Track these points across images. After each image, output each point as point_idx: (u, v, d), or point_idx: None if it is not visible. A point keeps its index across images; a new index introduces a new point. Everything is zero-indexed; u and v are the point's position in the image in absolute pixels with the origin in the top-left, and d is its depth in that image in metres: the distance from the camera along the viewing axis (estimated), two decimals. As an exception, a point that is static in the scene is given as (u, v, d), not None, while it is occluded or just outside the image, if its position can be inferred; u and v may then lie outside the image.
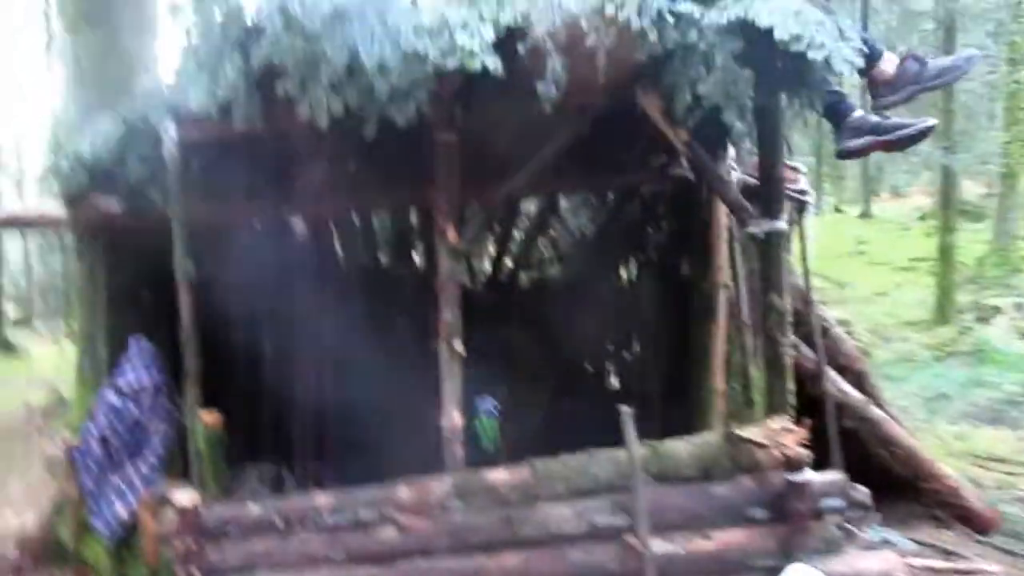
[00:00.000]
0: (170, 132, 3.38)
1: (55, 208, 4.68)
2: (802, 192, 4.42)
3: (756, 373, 4.50)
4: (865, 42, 2.84)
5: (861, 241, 18.05)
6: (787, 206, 3.58)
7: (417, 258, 5.59)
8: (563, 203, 5.68)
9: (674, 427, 3.74)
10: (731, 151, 4.07)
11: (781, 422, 3.18)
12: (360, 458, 5.41)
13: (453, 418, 3.45)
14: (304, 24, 2.44)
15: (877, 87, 3.12)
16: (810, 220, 4.62)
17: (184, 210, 3.52)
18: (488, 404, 5.18)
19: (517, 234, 5.73)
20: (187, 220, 3.58)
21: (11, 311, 19.65)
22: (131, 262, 4.65)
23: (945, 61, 3.12)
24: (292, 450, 5.31)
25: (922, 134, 3.06)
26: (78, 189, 4.08)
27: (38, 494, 5.99)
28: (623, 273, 6.36)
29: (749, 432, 3.14)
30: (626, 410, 3.13)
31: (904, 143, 3.10)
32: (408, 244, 5.44)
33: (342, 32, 2.52)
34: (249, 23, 2.43)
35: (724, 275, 4.28)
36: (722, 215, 4.23)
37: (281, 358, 5.31)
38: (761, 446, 3.10)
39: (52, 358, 16.05)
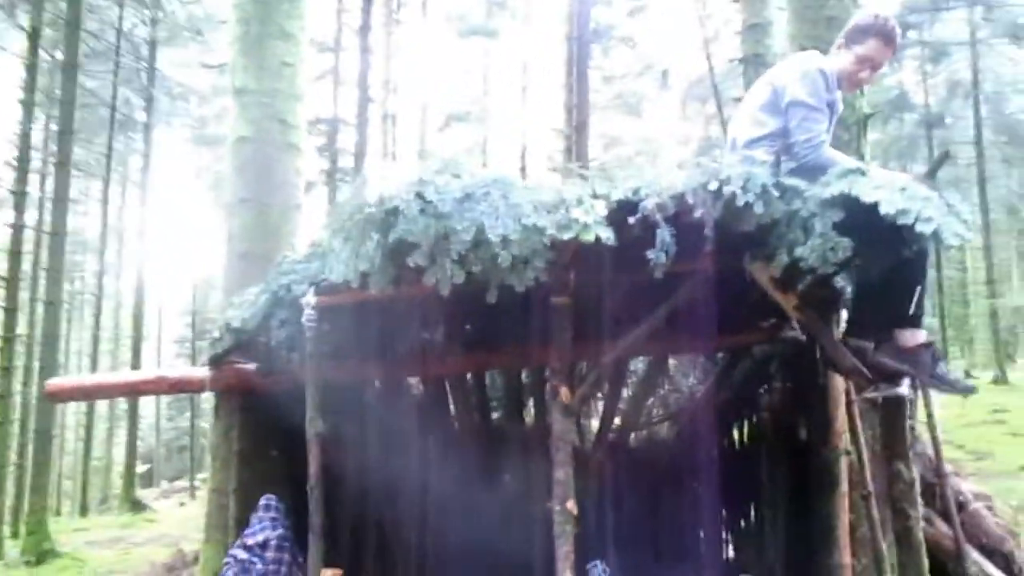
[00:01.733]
0: (309, 299, 3.75)
1: (194, 370, 5.15)
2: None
3: (885, 547, 4.22)
4: (919, 305, 2.96)
5: (998, 409, 16.77)
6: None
7: (528, 416, 5.68)
8: (672, 362, 5.72)
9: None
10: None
11: (919, 601, 2.96)
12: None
13: (567, 583, 3.37)
14: (437, 206, 2.75)
15: (887, 344, 3.12)
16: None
17: (316, 370, 3.81)
18: (598, 569, 5.01)
19: (626, 393, 5.75)
20: (318, 380, 3.86)
21: (138, 469, 20.64)
22: (262, 422, 4.96)
23: (949, 374, 3.15)
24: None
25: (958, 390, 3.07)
26: (222, 352, 4.50)
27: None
28: (735, 435, 6.23)
29: (884, 611, 2.93)
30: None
31: (939, 388, 3.09)
32: (519, 402, 5.56)
33: (470, 210, 2.82)
34: (389, 206, 2.75)
35: (844, 440, 4.13)
36: (839, 378, 4.15)
37: (395, 513, 5.39)
38: (898, 627, 2.89)
39: (176, 516, 16.74)
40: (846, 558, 4.06)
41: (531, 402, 5.70)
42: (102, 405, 22.60)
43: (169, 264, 28.17)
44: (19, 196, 13.15)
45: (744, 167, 2.96)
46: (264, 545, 4.11)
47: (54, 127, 17.23)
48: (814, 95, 3.40)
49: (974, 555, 4.35)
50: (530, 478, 5.58)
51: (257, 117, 5.68)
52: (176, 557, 9.41)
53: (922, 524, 3.20)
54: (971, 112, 21.23)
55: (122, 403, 23.79)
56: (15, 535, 13.79)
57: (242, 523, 4.70)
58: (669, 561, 6.02)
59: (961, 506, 4.52)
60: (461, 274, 2.83)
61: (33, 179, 17.96)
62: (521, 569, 5.54)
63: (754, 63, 9.63)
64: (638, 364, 5.63)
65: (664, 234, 2.92)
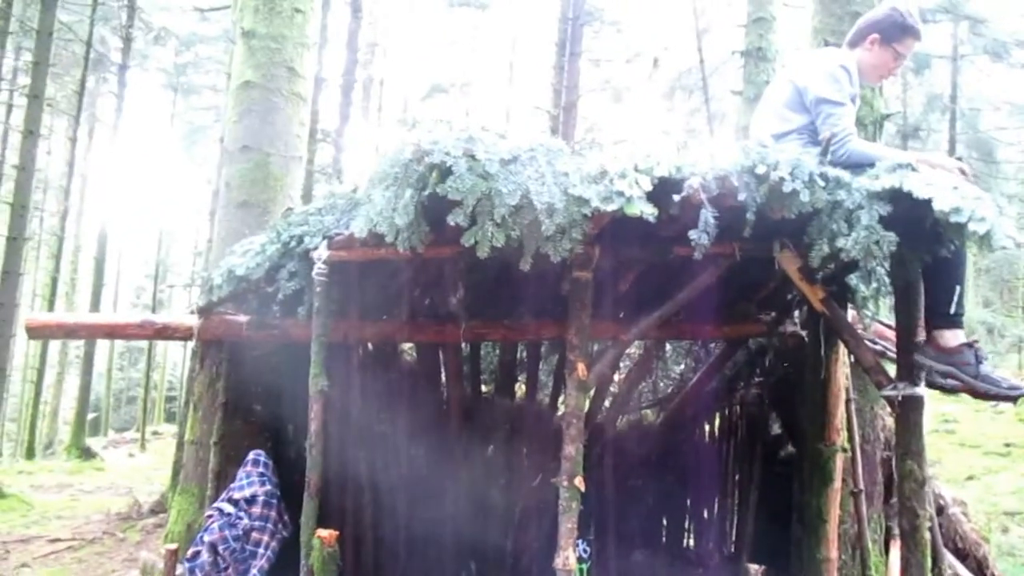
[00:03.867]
0: (321, 253, 3.63)
1: (182, 318, 4.99)
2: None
3: (871, 545, 4.29)
4: (960, 304, 2.95)
5: (947, 419, 17.26)
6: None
7: (518, 392, 5.64)
8: (667, 347, 5.72)
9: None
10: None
11: (919, 600, 3.00)
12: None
13: (567, 559, 3.35)
14: (485, 165, 2.66)
15: (928, 346, 3.12)
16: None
17: (324, 326, 3.70)
18: (580, 548, 5.02)
19: (617, 376, 5.75)
20: (321, 336, 3.75)
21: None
22: (248, 376, 4.84)
23: (997, 375, 3.05)
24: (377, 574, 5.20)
25: (1003, 392, 3.01)
26: (216, 301, 4.36)
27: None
28: (716, 425, 6.29)
29: (886, 606, 2.96)
30: (754, 569, 3.01)
31: (984, 390, 3.00)
32: (511, 377, 5.51)
33: (516, 173, 2.73)
34: (436, 160, 2.65)
35: (842, 437, 4.17)
36: (841, 376, 4.18)
37: (374, 479, 5.31)
38: (898, 624, 2.92)
39: (125, 466, 16.41)
40: (832, 552, 4.10)
41: (522, 378, 5.65)
42: (54, 348, 21.99)
43: (133, 212, 27.38)
44: (-14, 126, 12.61)
45: (792, 154, 2.92)
46: (251, 500, 4.02)
47: (24, 60, 16.57)
48: (838, 91, 3.40)
49: (949, 558, 4.44)
50: (515, 453, 5.56)
51: (264, 62, 5.48)
52: (132, 507, 9.21)
53: (928, 524, 3.23)
54: (947, 126, 21.65)
55: (75, 349, 23.23)
56: (-44, 474, 13.37)
57: (222, 476, 4.59)
58: (632, 546, 6.09)
59: (940, 509, 4.61)
60: (501, 237, 2.75)
61: (-2, 110, 17.29)
62: (499, 541, 5.54)
63: (755, 57, 9.65)
64: (632, 348, 5.62)
65: (708, 215, 2.88)
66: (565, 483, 3.41)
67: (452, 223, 2.74)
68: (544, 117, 19.44)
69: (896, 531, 4.29)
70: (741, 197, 2.90)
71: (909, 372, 3.20)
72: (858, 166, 3.09)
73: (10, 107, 16.90)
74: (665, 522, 6.51)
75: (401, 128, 22.29)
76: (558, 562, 3.37)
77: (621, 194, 2.82)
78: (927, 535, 3.20)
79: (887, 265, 3.15)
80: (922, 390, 3.18)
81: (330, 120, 17.48)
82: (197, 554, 3.83)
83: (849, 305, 3.99)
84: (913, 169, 2.76)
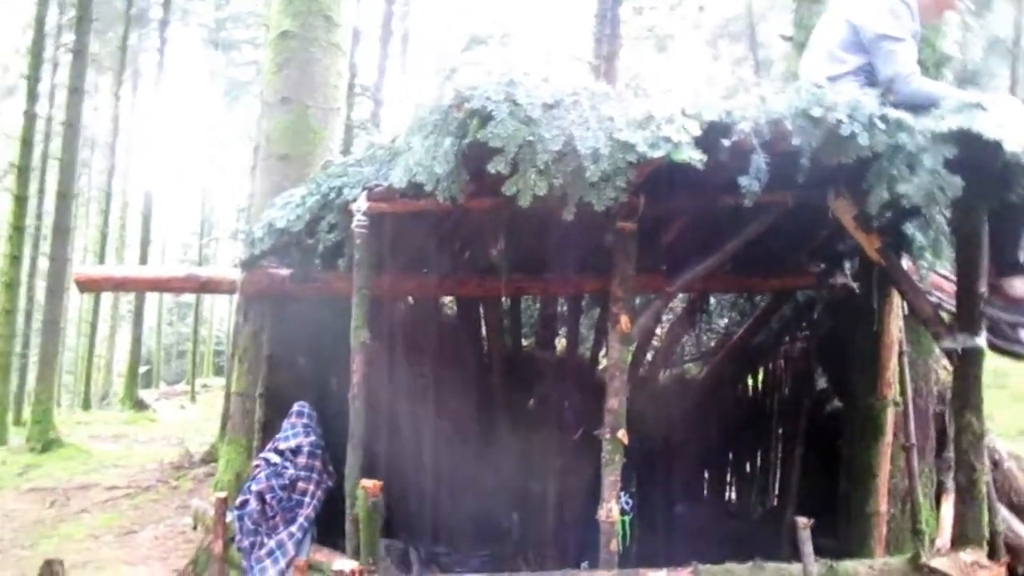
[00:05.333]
0: (361, 205, 3.59)
1: (226, 271, 5.03)
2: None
3: (922, 499, 4.19)
4: None
5: (999, 372, 16.82)
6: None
7: (559, 346, 5.61)
8: (712, 300, 5.62)
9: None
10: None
11: (975, 555, 2.92)
12: (486, 543, 5.35)
13: (611, 511, 3.33)
14: (527, 110, 2.57)
15: (994, 296, 2.99)
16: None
17: (364, 278, 3.68)
18: (623, 499, 5.01)
19: (660, 330, 5.67)
20: (362, 289, 3.73)
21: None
22: (291, 328, 4.87)
23: None
24: (416, 528, 5.28)
25: None
26: (259, 254, 4.37)
27: (170, 548, 6.18)
28: (760, 379, 6.19)
29: (939, 562, 2.89)
30: (803, 521, 2.96)
31: None
32: (552, 331, 5.47)
33: (559, 118, 2.64)
34: (476, 106, 2.57)
35: (894, 391, 4.06)
36: (894, 328, 4.04)
37: (415, 433, 5.36)
38: (952, 580, 2.85)
39: (176, 417, 16.91)
40: (882, 507, 4.03)
41: (563, 331, 5.61)
42: (106, 303, 22.62)
43: (177, 168, 27.77)
44: (32, 83, 12.78)
45: (850, 95, 2.76)
46: (297, 451, 4.07)
47: (68, 16, 16.70)
48: (899, 26, 3.20)
49: (1004, 512, 4.33)
50: (555, 406, 5.54)
51: (302, 11, 5.39)
52: (184, 457, 9.50)
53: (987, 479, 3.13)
54: (1008, 71, 20.61)
55: (126, 304, 23.87)
56: (17, 423, 13.93)
57: (268, 427, 4.67)
58: (673, 499, 6.10)
59: (995, 464, 4.48)
60: (544, 186, 2.66)
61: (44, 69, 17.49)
62: (541, 493, 5.57)
63: None
64: (675, 301, 5.52)
65: (759, 160, 2.75)
66: (608, 436, 3.37)
67: (493, 171, 2.66)
68: (585, 68, 19.01)
69: (948, 485, 4.19)
70: (795, 142, 2.76)
71: (970, 323, 3.07)
72: (921, 106, 2.92)
73: (55, 64, 17.08)
74: (707, 476, 6.50)
75: (439, 80, 22.02)
76: (601, 514, 3.36)
77: (668, 140, 2.71)
78: (984, 489, 3.10)
79: (948, 213, 2.99)
80: (982, 341, 3.05)
81: (368, 74, 17.35)
82: (245, 502, 3.91)
83: (904, 255, 3.84)
84: (982, 108, 2.58)
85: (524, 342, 5.57)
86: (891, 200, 2.72)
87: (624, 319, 3.35)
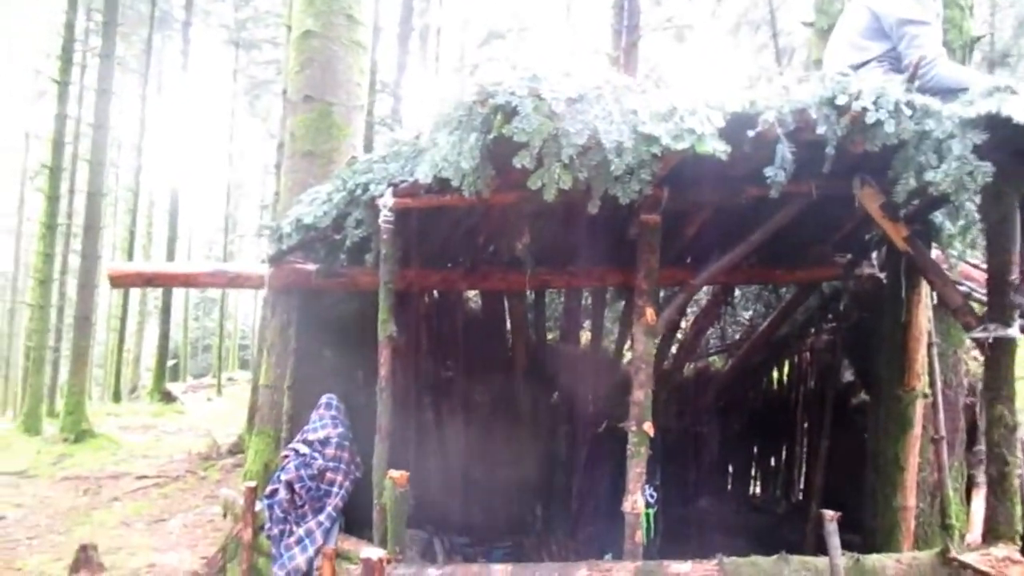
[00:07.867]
0: (387, 201, 3.62)
1: (254, 266, 5.09)
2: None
3: (951, 493, 4.15)
4: None
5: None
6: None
7: (583, 340, 5.62)
8: (736, 293, 5.59)
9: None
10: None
11: (1007, 550, 2.89)
12: (509, 535, 5.39)
13: (635, 503, 3.34)
14: (551, 105, 2.59)
15: None
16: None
17: (391, 272, 3.71)
18: (647, 492, 5.02)
19: (685, 322, 5.65)
20: (389, 283, 3.77)
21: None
22: (317, 322, 4.93)
23: None
24: (440, 520, 5.32)
25: None
26: (286, 249, 4.42)
27: (199, 536, 6.29)
28: (785, 372, 6.15)
29: (969, 557, 2.86)
30: (830, 515, 2.95)
31: None
32: (576, 323, 5.48)
33: (583, 112, 2.65)
34: (501, 100, 2.59)
35: (922, 383, 4.02)
36: (923, 319, 4.00)
37: (439, 425, 5.41)
38: (983, 575, 2.83)
39: (203, 410, 17.14)
40: (910, 500, 4.00)
41: (587, 325, 5.62)
42: (134, 299, 22.95)
43: (202, 167, 28.04)
44: (63, 86, 12.97)
45: (875, 82, 2.74)
46: (325, 442, 4.12)
47: (94, 20, 16.94)
48: (922, 10, 3.16)
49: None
50: (579, 399, 5.56)
51: (323, 11, 5.44)
52: (212, 447, 9.65)
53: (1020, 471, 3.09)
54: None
55: (153, 300, 24.20)
56: (50, 414, 14.23)
57: (295, 418, 4.74)
58: (698, 493, 6.09)
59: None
60: (568, 179, 2.68)
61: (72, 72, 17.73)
62: (564, 486, 5.59)
63: (830, -15, 9.10)
64: (699, 293, 5.50)
65: (784, 150, 2.75)
66: (633, 428, 3.38)
67: (518, 166, 2.68)
68: (604, 60, 18.91)
69: (979, 479, 4.15)
70: (820, 131, 2.75)
71: (1001, 312, 3.03)
72: (948, 92, 2.88)
73: (84, 67, 17.34)
74: (731, 469, 6.47)
75: (459, 75, 22.01)
76: (626, 506, 3.37)
77: (692, 131, 2.71)
78: (1016, 483, 3.06)
79: (978, 199, 2.95)
80: (1015, 331, 3.01)
81: (388, 71, 17.40)
82: (275, 491, 3.97)
83: (933, 244, 3.80)
84: (1012, 92, 2.55)
85: (548, 335, 5.57)
86: (919, 188, 2.70)
87: (649, 312, 3.35)
